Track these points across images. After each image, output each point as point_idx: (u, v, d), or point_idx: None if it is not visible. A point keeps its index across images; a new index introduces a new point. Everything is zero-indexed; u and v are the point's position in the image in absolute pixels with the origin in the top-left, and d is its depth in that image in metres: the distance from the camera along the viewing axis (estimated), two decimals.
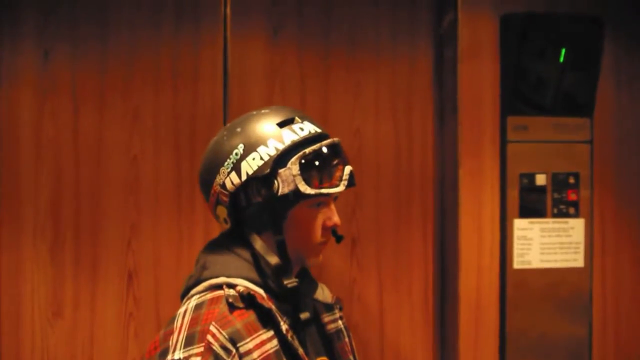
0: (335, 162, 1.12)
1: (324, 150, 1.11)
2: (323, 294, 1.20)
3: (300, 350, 1.07)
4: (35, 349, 1.98)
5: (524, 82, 2.02)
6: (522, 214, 2.03)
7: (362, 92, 2.13)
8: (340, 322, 1.21)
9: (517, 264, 2.02)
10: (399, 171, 2.14)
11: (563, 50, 2.00)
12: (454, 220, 2.03)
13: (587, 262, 2.06)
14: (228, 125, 1.21)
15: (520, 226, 2.02)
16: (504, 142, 2.03)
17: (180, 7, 2.04)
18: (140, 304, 2.01)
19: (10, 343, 1.98)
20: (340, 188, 1.12)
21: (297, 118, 1.14)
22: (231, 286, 1.08)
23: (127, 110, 2.02)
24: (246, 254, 1.12)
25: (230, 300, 1.05)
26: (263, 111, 1.17)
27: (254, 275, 1.10)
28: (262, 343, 1.04)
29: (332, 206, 1.15)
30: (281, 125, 1.12)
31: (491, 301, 2.02)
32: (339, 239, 1.17)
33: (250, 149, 1.10)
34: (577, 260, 2.05)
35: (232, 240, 1.15)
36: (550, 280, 2.03)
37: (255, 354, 1.02)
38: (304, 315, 1.11)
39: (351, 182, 1.14)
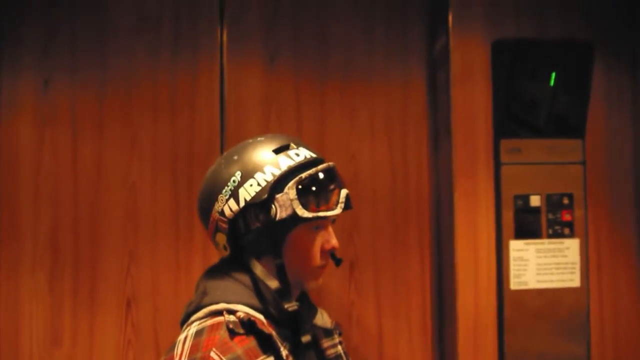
0: (331, 186, 1.15)
1: (320, 174, 1.13)
2: (322, 319, 1.21)
3: None
4: None
5: (517, 105, 2.05)
6: (518, 235, 2.04)
7: (358, 117, 2.16)
8: (339, 347, 1.21)
9: (514, 285, 2.03)
10: (394, 195, 2.16)
11: (553, 74, 2.04)
12: (450, 243, 2.05)
13: (583, 282, 2.07)
14: (225, 153, 1.23)
15: (516, 247, 2.04)
16: (497, 165, 2.05)
17: (177, 34, 2.07)
18: (139, 331, 2.00)
19: None
20: (337, 211, 1.14)
21: (292, 144, 1.17)
22: (231, 312, 1.08)
23: (126, 138, 2.04)
24: (246, 279, 1.13)
25: (231, 326, 1.05)
26: (259, 139, 1.19)
27: (254, 301, 1.11)
28: None
29: (330, 229, 1.17)
30: (277, 151, 1.14)
31: (489, 322, 2.02)
32: (337, 262, 1.18)
33: (247, 175, 1.12)
34: (573, 280, 2.06)
35: (232, 266, 1.16)
36: (548, 300, 2.04)
37: None
38: (305, 339, 1.12)
39: (347, 205, 1.16)
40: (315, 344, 1.19)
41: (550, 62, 2.04)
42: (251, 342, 1.06)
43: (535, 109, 2.06)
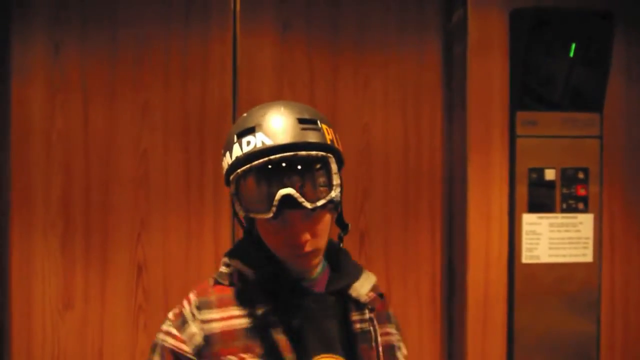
0: (265, 185, 1.00)
1: (257, 172, 1.01)
2: (359, 290, 1.13)
3: (279, 337, 1.05)
4: (46, 340, 2.00)
5: (533, 77, 2.02)
6: (531, 208, 2.02)
7: (371, 87, 2.13)
8: (368, 323, 1.17)
9: (525, 259, 2.02)
10: (407, 166, 2.14)
11: (573, 45, 1.99)
12: (463, 215, 2.03)
13: (596, 258, 2.06)
14: None
15: (529, 221, 2.02)
16: (513, 137, 2.03)
17: (190, 2, 2.05)
18: (150, 297, 2.02)
19: (21, 334, 2.00)
20: (268, 215, 0.99)
21: (257, 127, 1.03)
22: (227, 265, 1.11)
23: (137, 105, 2.04)
24: (248, 239, 1.13)
25: (215, 276, 1.10)
26: (245, 114, 1.09)
27: (249, 258, 1.10)
28: (230, 318, 1.05)
29: (298, 223, 1.03)
30: (239, 135, 1.04)
31: (499, 295, 2.02)
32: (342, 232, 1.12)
33: (222, 154, 1.08)
34: (586, 255, 2.05)
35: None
36: (559, 275, 2.03)
37: (216, 324, 1.05)
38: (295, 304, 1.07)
39: (284, 206, 0.99)
40: (345, 314, 1.15)
41: (570, 32, 2.00)
42: (229, 292, 1.08)
43: (552, 81, 2.02)
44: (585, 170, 2.05)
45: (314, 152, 1.01)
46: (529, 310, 2.01)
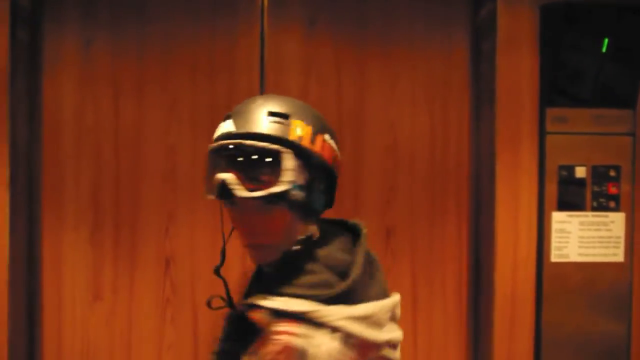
0: (214, 168, 1.03)
1: (210, 155, 1.04)
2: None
3: None
4: (75, 330, 2.04)
5: (564, 73, 1.98)
6: (561, 207, 1.99)
7: (398, 83, 2.12)
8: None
9: (554, 257, 1.98)
10: (434, 163, 2.13)
11: (606, 41, 1.95)
12: (490, 213, 2.01)
13: (627, 257, 2.01)
14: None
15: (559, 219, 1.99)
16: (542, 134, 1.99)
17: None
18: (177, 290, 2.04)
19: (52, 324, 2.05)
20: (212, 196, 1.02)
21: (232, 114, 1.04)
22: None
23: (165, 99, 2.06)
24: None
25: None
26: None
27: None
28: None
29: (247, 213, 1.02)
30: (223, 119, 1.07)
31: (527, 294, 1.99)
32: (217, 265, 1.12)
33: None
34: (616, 255, 2.01)
35: None
36: (589, 274, 1.99)
37: None
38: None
39: (222, 194, 0.99)
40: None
41: (601, 27, 1.96)
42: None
43: (583, 77, 1.98)
44: (617, 168, 2.01)
45: (261, 144, 0.98)
46: (558, 309, 1.98)
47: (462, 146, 2.14)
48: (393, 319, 1.08)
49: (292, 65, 2.08)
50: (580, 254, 1.99)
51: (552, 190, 1.99)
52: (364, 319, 0.98)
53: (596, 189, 2.00)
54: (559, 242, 1.99)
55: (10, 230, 1.89)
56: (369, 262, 1.08)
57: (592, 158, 2.00)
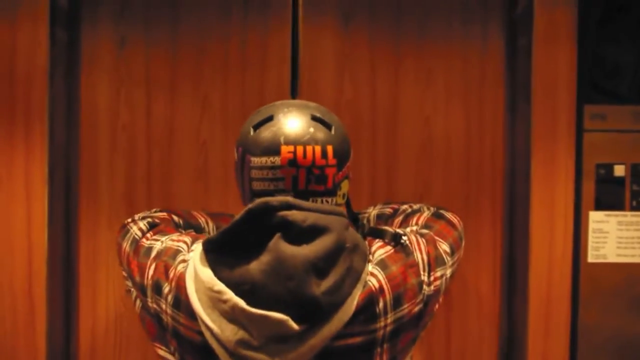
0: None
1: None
2: None
3: None
4: (109, 326, 2.08)
5: (603, 69, 1.94)
6: (598, 206, 1.95)
7: (433, 80, 2.10)
8: None
9: (591, 258, 1.94)
10: (468, 159, 2.10)
11: None
12: (525, 212, 1.98)
13: None
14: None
15: (596, 219, 1.94)
16: (580, 132, 1.95)
17: None
18: None
19: (87, 320, 2.08)
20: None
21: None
22: None
23: (197, 96, 2.07)
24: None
25: None
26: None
27: None
28: None
29: None
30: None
31: (562, 295, 1.95)
32: None
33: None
34: None
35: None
36: (627, 275, 1.94)
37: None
38: None
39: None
40: None
41: None
42: None
43: (623, 73, 1.93)
44: None
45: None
46: (595, 311, 1.94)
47: (497, 143, 2.11)
48: None
49: (325, 62, 2.08)
50: (618, 255, 1.95)
51: (589, 189, 1.95)
52: None
53: (635, 188, 1.95)
54: (596, 242, 1.94)
55: (48, 226, 1.92)
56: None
57: (632, 156, 1.95)
